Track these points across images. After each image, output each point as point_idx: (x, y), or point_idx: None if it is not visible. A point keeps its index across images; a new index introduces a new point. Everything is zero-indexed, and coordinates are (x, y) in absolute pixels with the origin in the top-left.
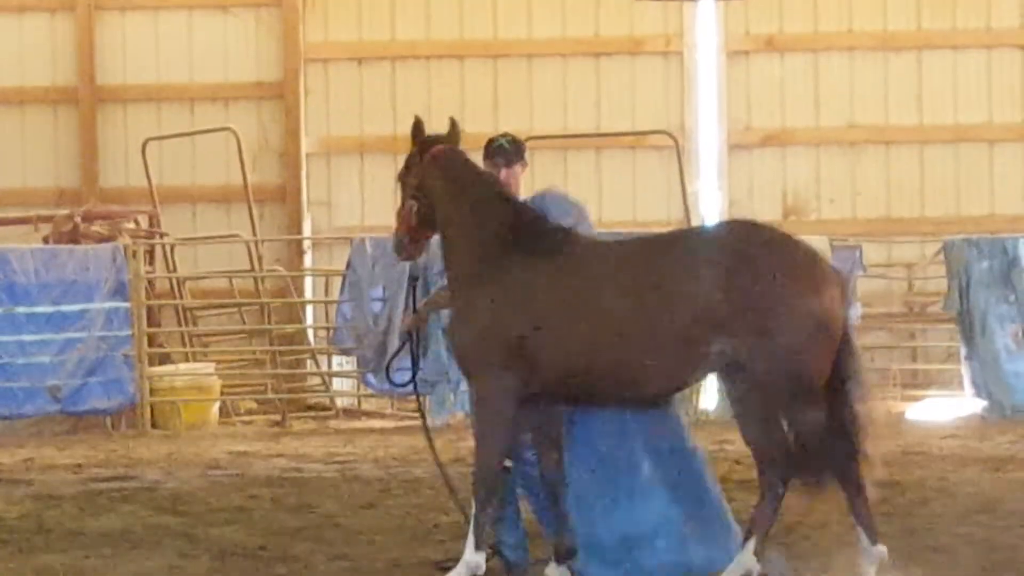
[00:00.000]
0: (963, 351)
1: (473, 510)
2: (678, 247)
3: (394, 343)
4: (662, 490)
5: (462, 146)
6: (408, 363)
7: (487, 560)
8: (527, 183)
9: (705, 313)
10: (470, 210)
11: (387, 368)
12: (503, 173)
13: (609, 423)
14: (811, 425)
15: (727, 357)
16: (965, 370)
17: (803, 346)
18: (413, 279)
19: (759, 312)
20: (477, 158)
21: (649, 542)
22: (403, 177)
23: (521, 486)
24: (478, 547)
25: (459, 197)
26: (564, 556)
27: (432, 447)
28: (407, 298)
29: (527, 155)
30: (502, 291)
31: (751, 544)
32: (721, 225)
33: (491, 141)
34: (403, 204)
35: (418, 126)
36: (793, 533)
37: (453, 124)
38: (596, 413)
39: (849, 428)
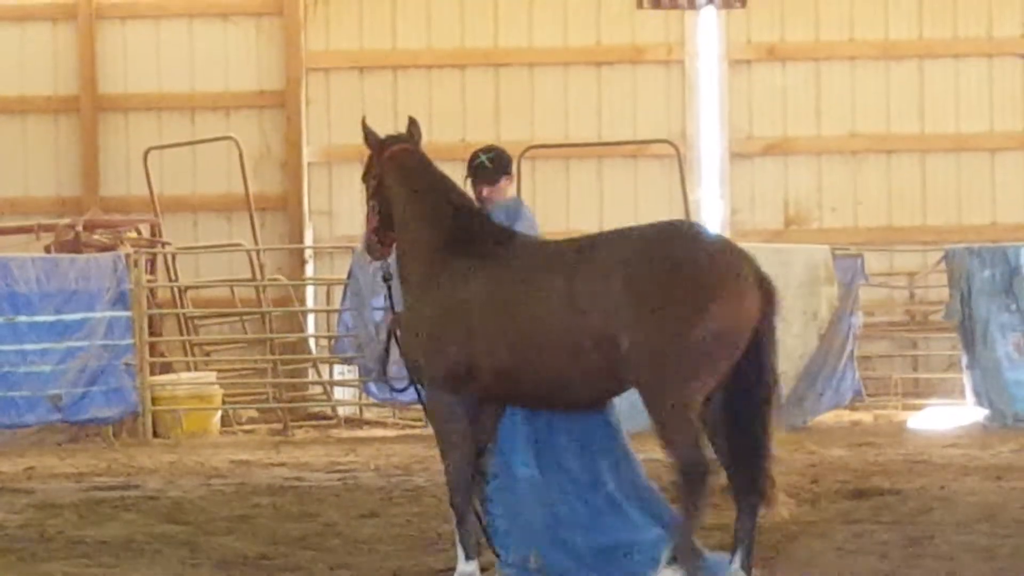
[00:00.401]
0: (965, 360)
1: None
2: (596, 248)
3: (394, 351)
4: (630, 504)
5: (464, 157)
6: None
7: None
8: (528, 191)
9: (613, 313)
10: (421, 213)
11: (383, 372)
12: (485, 191)
13: (573, 442)
14: (685, 436)
15: (635, 357)
16: (967, 379)
17: (689, 352)
18: (386, 280)
19: (656, 313)
20: None
21: (624, 557)
22: (364, 178)
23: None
24: (468, 556)
25: (412, 199)
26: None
27: None
28: (385, 299)
29: (512, 166)
30: (443, 299)
31: (668, 552)
32: (645, 226)
33: (473, 157)
34: (367, 205)
35: (365, 127)
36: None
37: (412, 123)
38: (559, 433)
39: (755, 449)
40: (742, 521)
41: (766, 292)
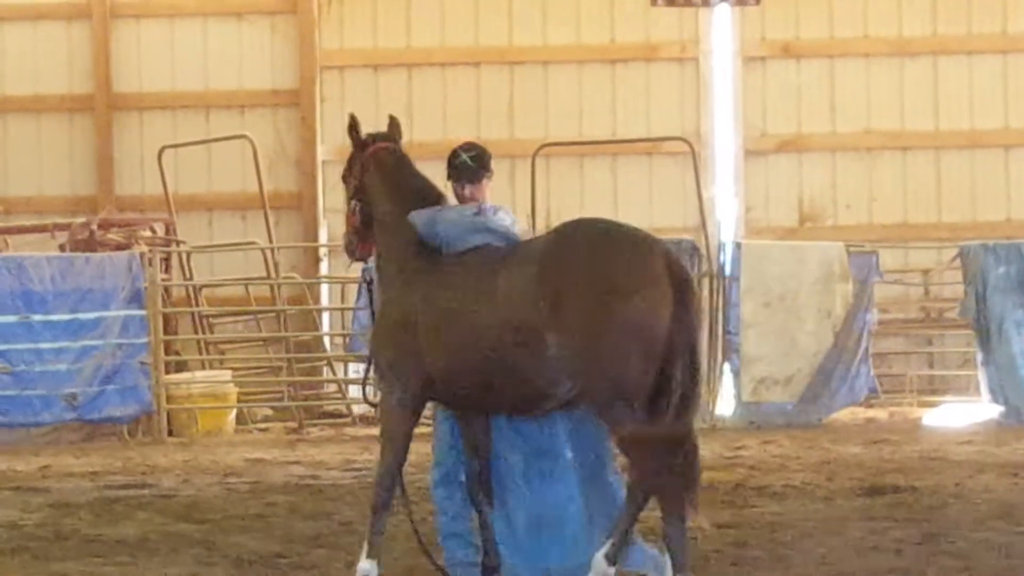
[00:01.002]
0: (980, 356)
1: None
2: (517, 251)
3: None
4: (575, 476)
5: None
6: None
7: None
8: (542, 189)
9: (533, 315)
10: (397, 214)
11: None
12: (467, 190)
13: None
14: (629, 438)
15: (562, 360)
16: (982, 375)
17: (609, 349)
18: (368, 282)
19: (572, 311)
20: (504, 164)
21: (558, 526)
22: (345, 177)
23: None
24: (370, 555)
25: (389, 199)
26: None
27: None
28: (367, 301)
29: (492, 163)
30: (400, 301)
31: (605, 548)
32: (560, 225)
33: (454, 156)
34: (347, 204)
35: (353, 124)
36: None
37: (392, 122)
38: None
39: (686, 454)
40: (671, 528)
41: (678, 284)
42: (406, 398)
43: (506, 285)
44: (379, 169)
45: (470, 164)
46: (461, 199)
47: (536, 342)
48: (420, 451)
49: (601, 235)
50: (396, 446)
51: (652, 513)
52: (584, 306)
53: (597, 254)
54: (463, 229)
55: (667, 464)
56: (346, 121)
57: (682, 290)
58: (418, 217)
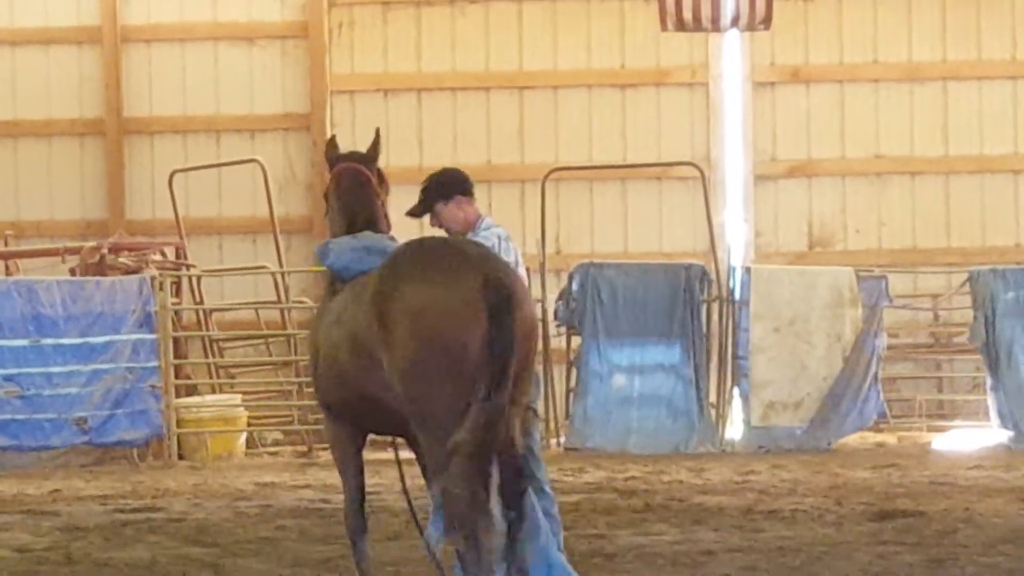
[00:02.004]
0: (989, 381)
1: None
2: (370, 274)
3: None
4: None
5: (488, 178)
6: None
7: None
8: (552, 213)
9: (371, 337)
10: (336, 234)
11: None
12: (432, 219)
13: None
14: (445, 461)
15: (389, 376)
16: (991, 400)
17: (417, 369)
18: None
19: (391, 332)
20: (514, 189)
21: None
22: (325, 195)
23: None
24: None
25: (335, 221)
26: None
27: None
28: None
29: (464, 185)
30: (313, 331)
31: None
32: (402, 244)
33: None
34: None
35: (329, 142)
36: None
37: (375, 138)
38: None
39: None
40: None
41: (494, 306)
42: (336, 426)
43: (354, 309)
44: (335, 189)
45: (424, 190)
46: (438, 223)
47: (378, 365)
48: None
49: (423, 255)
50: (347, 473)
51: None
52: (398, 327)
53: (414, 275)
54: (352, 256)
55: (472, 490)
56: (350, 145)
57: (498, 312)
58: (333, 244)
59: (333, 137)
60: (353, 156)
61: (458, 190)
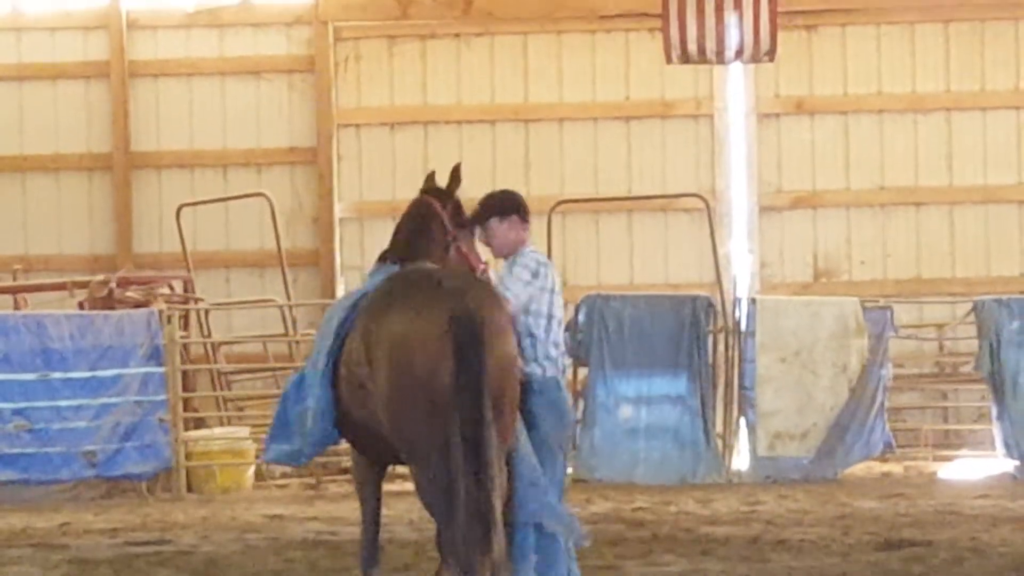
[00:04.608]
0: (994, 411)
1: None
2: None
3: None
4: None
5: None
6: None
7: None
8: (558, 245)
9: (360, 368)
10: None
11: None
12: (482, 234)
13: None
14: (423, 492)
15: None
16: (996, 430)
17: (394, 401)
18: None
19: (373, 366)
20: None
21: None
22: None
23: None
24: None
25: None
26: None
27: None
28: None
29: (522, 209)
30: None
31: None
32: (387, 276)
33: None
34: None
35: (428, 177)
36: None
37: (452, 171)
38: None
39: (480, 516)
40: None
41: (462, 342)
42: (354, 455)
43: (349, 341)
44: (402, 217)
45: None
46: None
47: (370, 397)
48: None
49: (400, 289)
50: (362, 502)
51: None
52: (376, 360)
53: (390, 309)
54: (370, 284)
55: (461, 524)
56: (356, 178)
57: (465, 346)
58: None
59: (432, 173)
60: (429, 189)
61: (516, 211)
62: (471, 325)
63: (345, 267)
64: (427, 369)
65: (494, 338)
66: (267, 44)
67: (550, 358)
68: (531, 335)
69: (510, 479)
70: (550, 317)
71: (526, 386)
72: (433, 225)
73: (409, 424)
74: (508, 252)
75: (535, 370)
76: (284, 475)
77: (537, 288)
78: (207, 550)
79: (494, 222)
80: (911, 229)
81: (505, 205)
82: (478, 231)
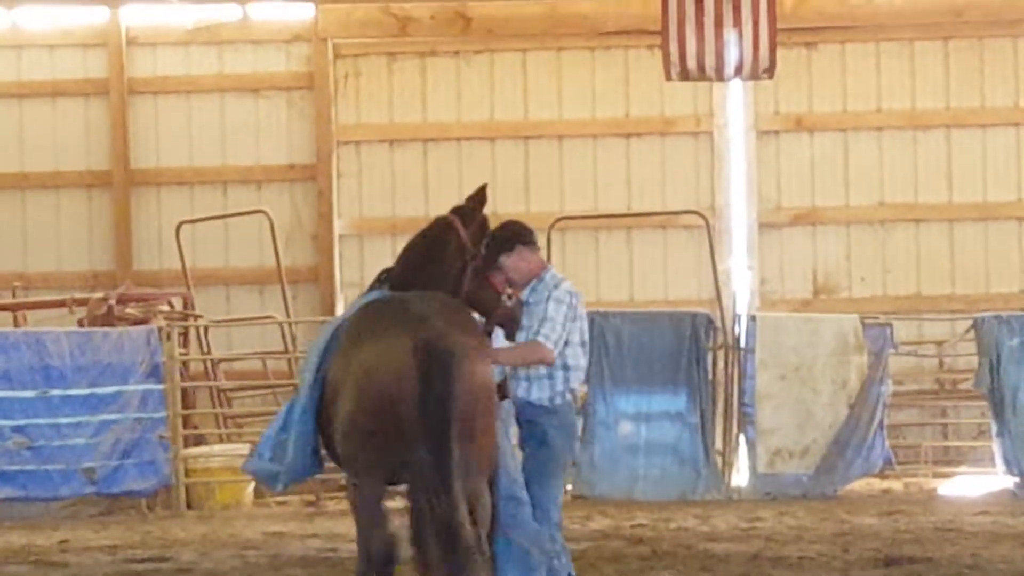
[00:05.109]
0: (994, 428)
1: None
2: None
3: None
4: None
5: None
6: None
7: None
8: (558, 262)
9: (335, 394)
10: None
11: None
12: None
13: None
14: (354, 509)
15: None
16: (996, 447)
17: (353, 422)
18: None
19: (340, 391)
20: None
21: None
22: None
23: None
24: None
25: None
26: None
27: None
28: None
29: (524, 236)
30: None
31: None
32: (362, 305)
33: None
34: None
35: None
36: None
37: (479, 191)
38: None
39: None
40: None
41: (428, 369)
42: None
43: (328, 372)
44: (416, 235)
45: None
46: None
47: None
48: None
49: (368, 318)
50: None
51: None
52: (345, 386)
53: (357, 338)
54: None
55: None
56: (356, 196)
57: (429, 374)
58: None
59: (484, 187)
60: (456, 208)
61: (519, 240)
62: (436, 351)
63: (345, 284)
64: (392, 396)
65: (461, 363)
66: (266, 61)
67: (572, 386)
68: (565, 366)
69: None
70: (578, 344)
71: (540, 409)
72: (449, 245)
73: (368, 446)
74: (528, 279)
75: (557, 401)
76: (283, 492)
77: (570, 319)
78: (207, 567)
79: (503, 259)
80: (911, 246)
81: (507, 239)
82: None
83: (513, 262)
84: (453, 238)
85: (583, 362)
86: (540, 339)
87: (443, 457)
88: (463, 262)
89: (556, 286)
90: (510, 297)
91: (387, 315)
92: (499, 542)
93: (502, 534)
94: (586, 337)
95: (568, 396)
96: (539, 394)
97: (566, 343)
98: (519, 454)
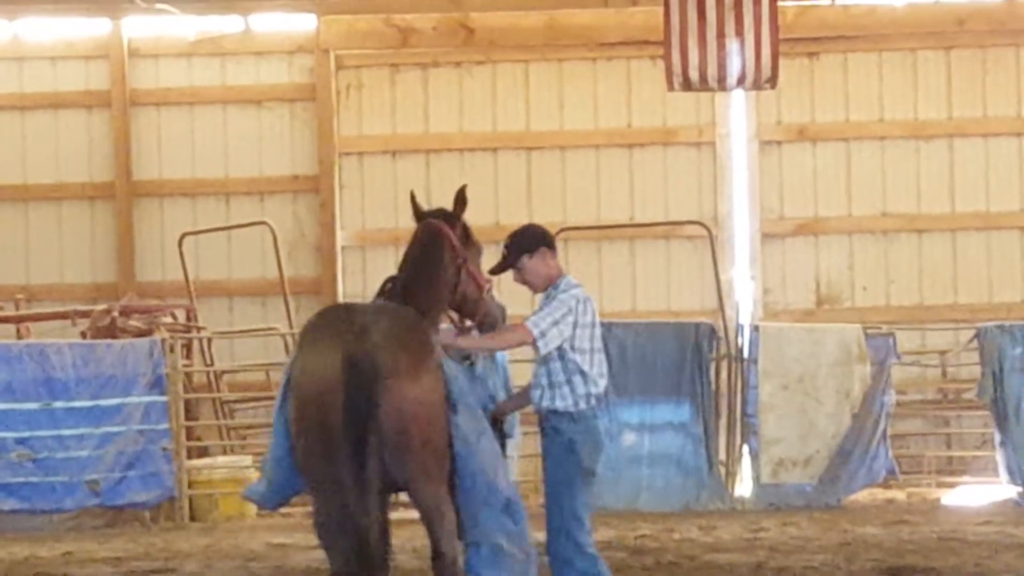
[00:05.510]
0: (997, 437)
1: None
2: None
3: None
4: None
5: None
6: None
7: None
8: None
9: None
10: None
11: None
12: (516, 274)
13: None
14: (315, 525)
15: None
16: (1000, 456)
17: (295, 436)
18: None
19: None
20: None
21: None
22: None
23: None
24: None
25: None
26: None
27: None
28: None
29: (548, 239)
30: None
31: None
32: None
33: None
34: None
35: (412, 200)
36: None
37: (457, 193)
38: None
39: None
40: None
41: (357, 382)
42: None
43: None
44: (411, 243)
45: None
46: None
47: None
48: None
49: (313, 327)
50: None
51: None
52: (289, 398)
53: (302, 349)
54: None
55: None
56: (359, 206)
57: (352, 388)
58: None
59: (412, 193)
60: (436, 212)
61: (542, 243)
62: (363, 365)
63: (347, 295)
64: (321, 408)
65: (391, 378)
66: (269, 72)
67: (593, 392)
68: (580, 372)
69: (459, 505)
70: (592, 351)
71: (565, 416)
72: (443, 249)
73: (308, 460)
74: (544, 285)
75: (581, 405)
76: (293, 503)
77: (578, 325)
78: None
79: (525, 259)
80: (913, 256)
81: (531, 240)
82: (512, 273)
83: (534, 264)
84: (446, 242)
85: (603, 369)
86: (527, 323)
87: (361, 474)
88: (456, 265)
89: (566, 291)
90: (488, 292)
91: (329, 326)
92: (483, 548)
93: (485, 540)
94: (597, 344)
95: (593, 402)
96: (562, 402)
97: (577, 349)
98: (513, 464)
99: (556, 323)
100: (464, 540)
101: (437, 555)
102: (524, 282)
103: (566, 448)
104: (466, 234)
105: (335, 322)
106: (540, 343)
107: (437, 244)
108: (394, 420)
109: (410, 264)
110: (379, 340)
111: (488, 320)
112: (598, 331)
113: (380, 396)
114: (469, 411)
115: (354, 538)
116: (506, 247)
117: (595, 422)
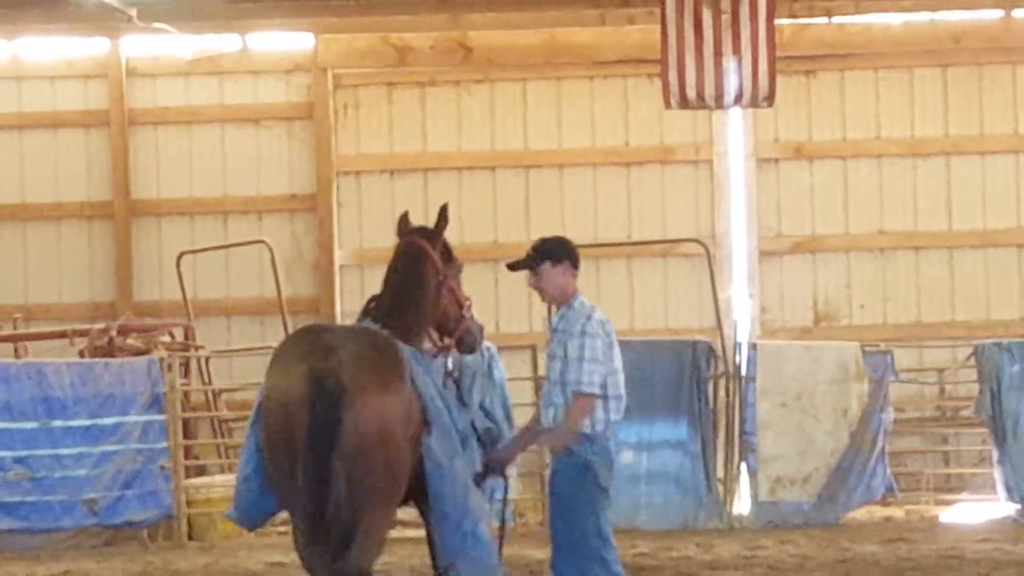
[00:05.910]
0: (995, 455)
1: None
2: None
3: None
4: None
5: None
6: None
7: None
8: None
9: None
10: None
11: None
12: (531, 280)
13: None
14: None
15: None
16: (998, 474)
17: (267, 452)
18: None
19: None
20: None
21: None
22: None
23: None
24: None
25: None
26: None
27: None
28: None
29: (575, 256)
30: None
31: None
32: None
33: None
34: None
35: (401, 218)
36: None
37: (440, 211)
38: None
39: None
40: None
41: (319, 402)
42: None
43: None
44: (392, 261)
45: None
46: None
47: None
48: None
49: (286, 343)
50: None
51: None
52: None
53: (271, 368)
54: None
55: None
56: (357, 225)
57: (316, 408)
58: None
59: (405, 214)
60: (417, 230)
61: (568, 257)
62: (328, 382)
63: (345, 314)
64: (287, 425)
65: (353, 398)
66: (266, 91)
67: (613, 418)
68: (620, 396)
69: (430, 526)
70: (618, 372)
71: (582, 436)
72: (425, 267)
73: (278, 479)
74: (558, 299)
75: (598, 428)
76: (285, 522)
77: (608, 348)
78: None
79: (547, 266)
80: (911, 273)
81: (559, 250)
82: (528, 275)
83: (554, 273)
84: (427, 260)
85: (620, 390)
86: (583, 388)
87: (319, 493)
88: (437, 282)
89: (588, 317)
90: (467, 309)
91: (297, 345)
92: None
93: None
94: (619, 364)
95: (611, 427)
96: None
97: (611, 373)
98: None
99: (596, 361)
100: (434, 563)
101: (336, 557)
102: (538, 287)
103: (581, 468)
104: (447, 251)
105: (303, 342)
106: (599, 390)
107: (418, 261)
108: (353, 440)
109: (392, 282)
110: (345, 358)
111: (467, 338)
112: (616, 350)
113: (343, 411)
114: (444, 433)
115: (326, 557)
116: (533, 248)
117: (608, 443)
